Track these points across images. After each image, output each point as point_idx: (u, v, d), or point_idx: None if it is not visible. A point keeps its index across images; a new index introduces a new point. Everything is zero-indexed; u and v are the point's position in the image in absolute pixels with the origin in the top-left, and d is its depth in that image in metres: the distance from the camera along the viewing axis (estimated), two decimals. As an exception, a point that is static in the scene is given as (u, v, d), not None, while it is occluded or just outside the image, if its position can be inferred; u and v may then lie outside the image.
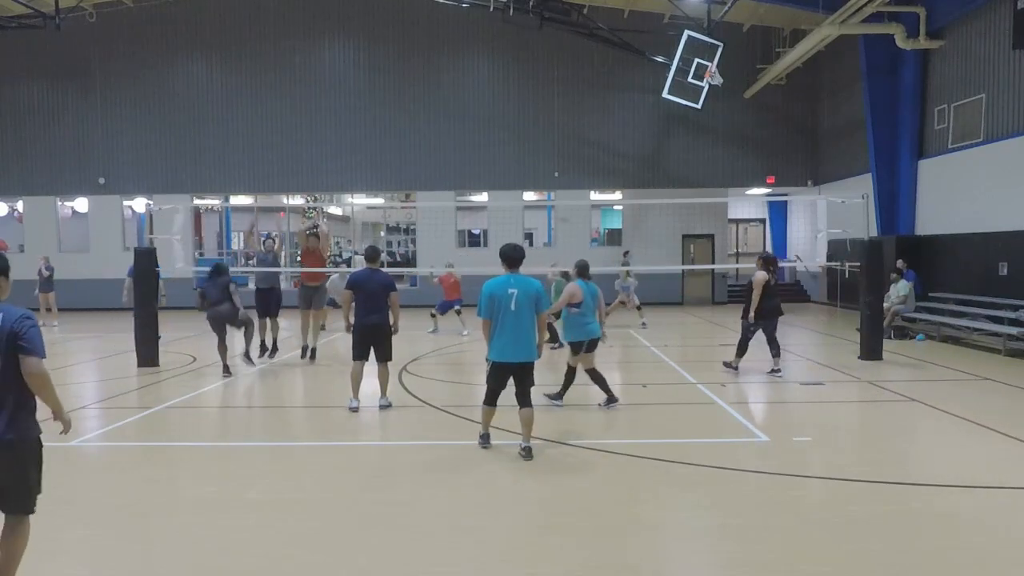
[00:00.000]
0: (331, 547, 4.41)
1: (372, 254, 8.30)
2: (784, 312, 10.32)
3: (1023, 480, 5.53)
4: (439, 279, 15.53)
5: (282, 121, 23.30)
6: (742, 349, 10.17)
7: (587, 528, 4.66)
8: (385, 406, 8.11)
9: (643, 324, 15.93)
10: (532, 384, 6.25)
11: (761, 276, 9.82)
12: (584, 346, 7.85)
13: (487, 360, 6.32)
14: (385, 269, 8.67)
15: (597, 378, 7.97)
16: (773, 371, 10.01)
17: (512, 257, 6.28)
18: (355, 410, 7.99)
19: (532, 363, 6.21)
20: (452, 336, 14.80)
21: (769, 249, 27.25)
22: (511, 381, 6.24)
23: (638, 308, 16.17)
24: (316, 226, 11.83)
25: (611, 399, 8.00)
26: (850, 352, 12.05)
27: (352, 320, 8.00)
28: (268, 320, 11.69)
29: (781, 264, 24.59)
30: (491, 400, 6.31)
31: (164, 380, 10.19)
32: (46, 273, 18.07)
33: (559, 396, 8.16)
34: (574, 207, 22.82)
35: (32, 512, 3.68)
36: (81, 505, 5.13)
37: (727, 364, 10.38)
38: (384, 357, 8.09)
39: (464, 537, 4.55)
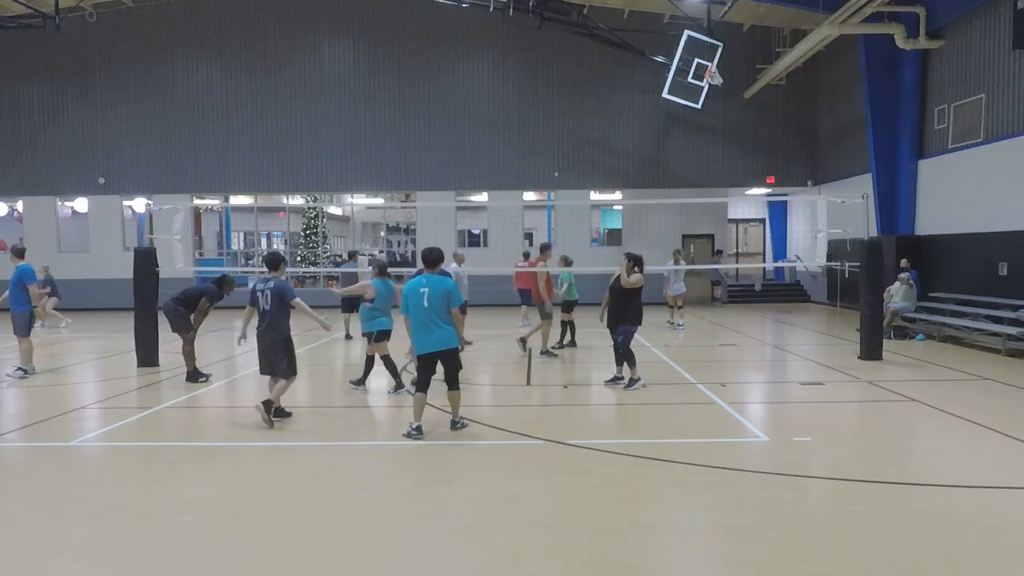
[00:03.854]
0: (331, 547, 4.41)
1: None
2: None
3: (1023, 480, 5.53)
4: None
5: (282, 121, 23.30)
6: (631, 356, 9.07)
7: (587, 528, 4.66)
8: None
9: (677, 324, 15.87)
10: (458, 368, 7.03)
11: (639, 278, 8.98)
12: (374, 336, 8.82)
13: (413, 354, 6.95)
14: (395, 270, 8.97)
15: (389, 365, 8.91)
16: (624, 380, 9.14)
17: (426, 258, 7.01)
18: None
19: (453, 350, 6.87)
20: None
21: (770, 248, 27.25)
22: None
23: (679, 307, 16.14)
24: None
25: (399, 386, 8.83)
26: (850, 352, 12.04)
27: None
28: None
29: (781, 264, 24.66)
30: (422, 387, 6.89)
31: (164, 380, 10.19)
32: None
33: (361, 382, 9.11)
34: (574, 207, 22.84)
35: (286, 378, 7.23)
36: (81, 505, 5.13)
37: (630, 382, 9.08)
38: None
39: (464, 537, 4.55)
